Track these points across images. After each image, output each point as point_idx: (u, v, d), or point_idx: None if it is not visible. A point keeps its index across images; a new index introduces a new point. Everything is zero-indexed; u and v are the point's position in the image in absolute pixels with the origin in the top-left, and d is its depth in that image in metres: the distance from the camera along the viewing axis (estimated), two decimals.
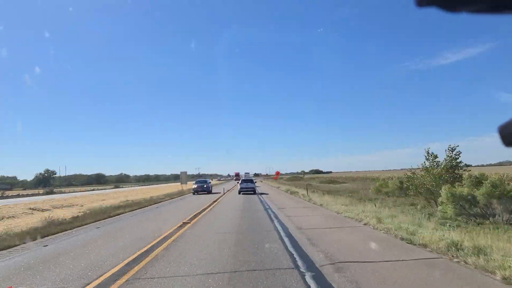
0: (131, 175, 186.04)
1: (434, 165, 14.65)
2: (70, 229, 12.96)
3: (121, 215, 18.00)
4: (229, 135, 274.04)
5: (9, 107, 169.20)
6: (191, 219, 13.88)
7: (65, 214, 19.23)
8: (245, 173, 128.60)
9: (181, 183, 42.79)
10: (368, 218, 11.29)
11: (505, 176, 18.35)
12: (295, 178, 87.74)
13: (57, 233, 12.05)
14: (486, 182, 10.53)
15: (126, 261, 7.13)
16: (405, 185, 17.75)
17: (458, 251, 6.47)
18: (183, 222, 12.74)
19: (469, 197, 10.66)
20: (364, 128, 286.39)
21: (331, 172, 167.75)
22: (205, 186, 35.84)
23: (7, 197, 55.48)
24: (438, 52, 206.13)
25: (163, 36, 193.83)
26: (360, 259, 6.54)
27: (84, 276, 6.23)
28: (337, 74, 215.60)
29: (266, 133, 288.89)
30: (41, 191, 76.35)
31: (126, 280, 5.77)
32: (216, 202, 22.93)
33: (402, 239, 8.12)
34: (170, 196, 32.52)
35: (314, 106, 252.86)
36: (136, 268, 6.51)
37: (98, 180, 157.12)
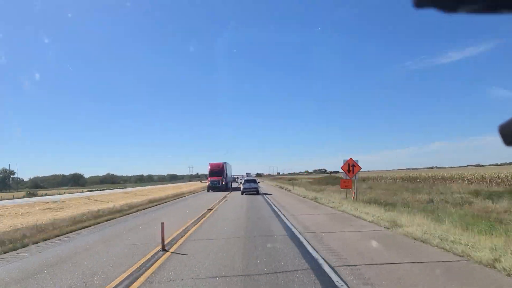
0: (118, 175, 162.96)
1: None
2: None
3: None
4: (229, 135, 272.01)
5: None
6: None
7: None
8: (246, 173, 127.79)
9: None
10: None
11: None
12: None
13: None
14: None
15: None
16: None
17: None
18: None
19: None
20: (364, 128, 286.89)
21: (338, 172, 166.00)
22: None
23: None
24: (439, 51, 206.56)
25: (163, 36, 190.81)
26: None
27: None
28: (338, 74, 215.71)
29: (266, 133, 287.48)
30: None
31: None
32: None
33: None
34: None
35: (314, 106, 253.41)
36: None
37: (76, 181, 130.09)
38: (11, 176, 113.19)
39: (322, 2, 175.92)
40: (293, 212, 16.01)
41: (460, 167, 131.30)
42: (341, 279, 5.66)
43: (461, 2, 0.80)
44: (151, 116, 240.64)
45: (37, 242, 10.63)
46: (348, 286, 5.32)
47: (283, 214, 15.04)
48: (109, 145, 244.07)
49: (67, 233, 12.48)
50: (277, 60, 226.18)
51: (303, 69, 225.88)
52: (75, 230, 13.15)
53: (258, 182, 38.49)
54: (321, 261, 6.87)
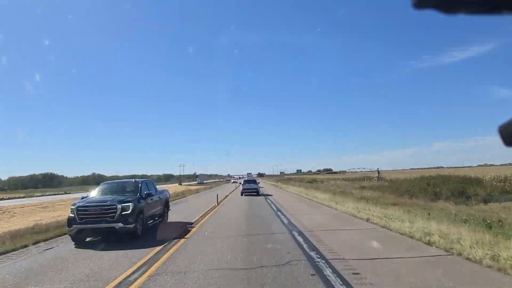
0: (107, 175, 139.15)
1: None
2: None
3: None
4: (230, 135, 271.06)
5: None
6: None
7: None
8: (248, 173, 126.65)
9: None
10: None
11: None
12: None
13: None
14: None
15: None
16: None
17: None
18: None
19: None
20: (365, 128, 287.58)
21: (345, 171, 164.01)
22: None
23: None
24: (444, 50, 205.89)
25: (162, 37, 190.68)
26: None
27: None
28: (339, 74, 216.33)
29: (267, 132, 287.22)
30: None
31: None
32: None
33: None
34: None
35: (315, 106, 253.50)
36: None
37: (48, 183, 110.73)
38: None
39: (324, 1, 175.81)
40: None
41: (470, 167, 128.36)
42: None
43: (459, 3, 0.79)
44: (149, 116, 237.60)
45: None
46: None
47: None
48: (94, 144, 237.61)
49: None
50: (279, 60, 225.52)
51: (306, 68, 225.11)
52: None
53: (259, 183, 38.37)
54: None
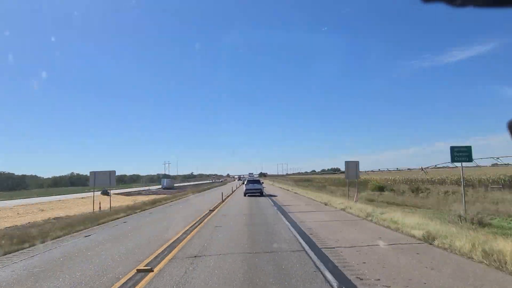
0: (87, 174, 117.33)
1: None
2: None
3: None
4: (231, 135, 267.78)
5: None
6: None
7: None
8: (249, 173, 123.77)
9: None
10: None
11: None
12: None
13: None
14: None
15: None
16: None
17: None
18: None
19: None
20: (367, 127, 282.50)
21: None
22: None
23: None
24: (445, 49, 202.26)
25: (165, 33, 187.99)
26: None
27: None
28: (340, 74, 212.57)
29: (268, 132, 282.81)
30: None
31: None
32: None
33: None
34: None
35: (316, 106, 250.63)
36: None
37: (19, 185, 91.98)
38: None
39: (326, 1, 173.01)
40: None
41: (483, 166, 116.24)
42: None
43: None
44: (151, 115, 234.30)
45: None
46: None
47: None
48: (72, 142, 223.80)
49: None
50: (281, 59, 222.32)
51: (308, 68, 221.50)
52: None
53: (262, 183, 37.28)
54: None
